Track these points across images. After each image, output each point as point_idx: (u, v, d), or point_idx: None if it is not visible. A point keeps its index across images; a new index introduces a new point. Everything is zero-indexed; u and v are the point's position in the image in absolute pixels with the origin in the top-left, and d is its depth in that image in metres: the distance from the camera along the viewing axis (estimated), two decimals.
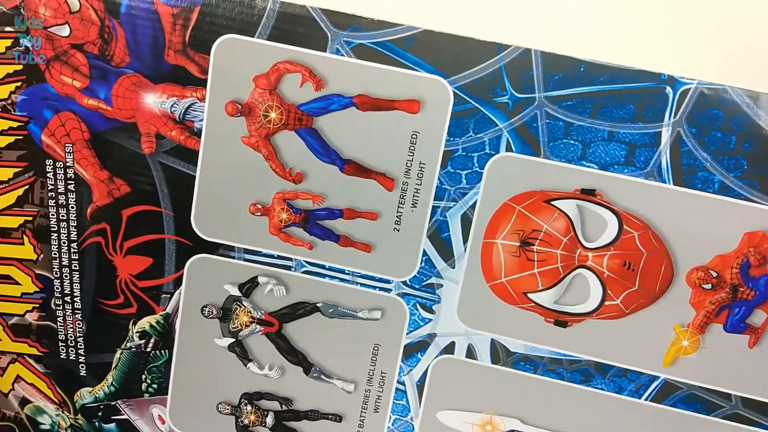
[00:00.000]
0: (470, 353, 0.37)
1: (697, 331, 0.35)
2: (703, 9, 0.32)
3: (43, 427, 0.42)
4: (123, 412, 0.41)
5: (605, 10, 0.33)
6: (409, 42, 0.34)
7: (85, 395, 0.41)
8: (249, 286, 0.38)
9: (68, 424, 0.42)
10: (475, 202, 0.35)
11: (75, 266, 0.39)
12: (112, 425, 0.41)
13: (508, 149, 0.34)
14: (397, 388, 0.38)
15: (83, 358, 0.40)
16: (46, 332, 0.41)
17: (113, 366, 0.40)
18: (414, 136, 0.35)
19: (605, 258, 0.34)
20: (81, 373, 0.41)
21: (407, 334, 0.37)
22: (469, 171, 0.35)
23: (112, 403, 0.41)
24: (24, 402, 0.42)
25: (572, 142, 0.34)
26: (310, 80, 0.35)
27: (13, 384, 0.42)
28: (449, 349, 0.37)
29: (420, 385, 0.38)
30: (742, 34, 0.32)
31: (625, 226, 0.34)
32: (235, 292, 0.38)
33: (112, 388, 0.41)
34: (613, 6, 0.33)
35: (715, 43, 0.32)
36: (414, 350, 0.38)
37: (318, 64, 0.35)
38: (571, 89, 0.33)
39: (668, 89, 0.32)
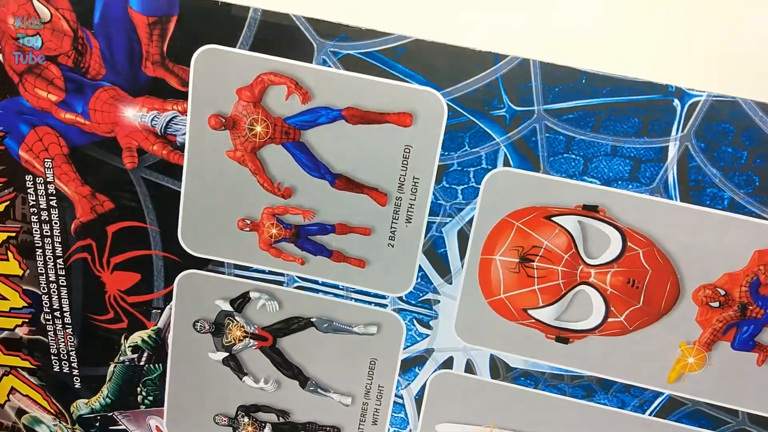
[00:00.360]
0: (469, 368, 0.36)
1: (704, 349, 0.33)
2: (714, 16, 0.30)
3: None
4: (120, 422, 0.41)
5: (608, 17, 0.30)
6: (399, 52, 0.32)
7: (81, 406, 0.41)
8: (241, 302, 0.37)
9: None
10: (471, 218, 0.34)
11: (62, 282, 0.38)
12: None
13: (506, 164, 0.32)
14: (395, 402, 0.37)
15: (77, 371, 0.40)
16: (37, 346, 0.40)
17: (108, 379, 0.40)
18: (407, 150, 0.33)
19: (608, 275, 0.33)
20: (76, 385, 0.40)
21: (404, 349, 0.37)
22: (465, 186, 0.33)
23: (109, 414, 0.41)
24: (21, 412, 0.42)
25: (573, 156, 0.32)
26: (296, 92, 0.33)
27: (8, 395, 0.42)
28: (448, 363, 0.36)
29: (418, 399, 0.37)
30: (755, 43, 0.30)
31: (629, 243, 0.32)
32: (227, 307, 0.37)
33: (108, 400, 0.40)
34: (617, 13, 0.30)
35: (725, 52, 0.30)
36: (411, 364, 0.37)
37: (304, 75, 0.33)
38: (572, 102, 0.31)
39: (676, 102, 0.30)
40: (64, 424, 0.41)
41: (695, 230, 0.32)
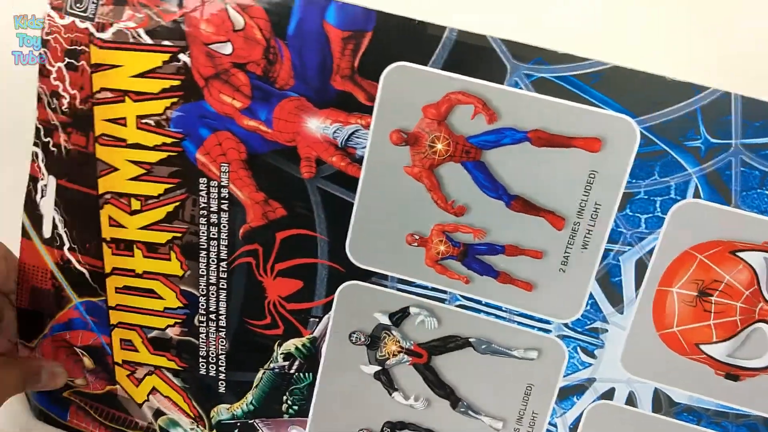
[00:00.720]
0: (630, 401, 0.36)
1: None
2: None
3: None
4: (260, 431, 0.41)
5: None
6: (595, 78, 0.32)
7: (222, 411, 0.41)
8: (400, 316, 0.37)
9: None
10: (652, 248, 0.33)
11: (222, 285, 0.39)
12: None
13: (696, 196, 0.32)
14: (548, 430, 0.37)
15: (223, 375, 0.40)
16: (186, 347, 0.40)
17: (254, 385, 0.40)
18: (591, 176, 0.33)
19: None
20: (220, 390, 0.41)
21: (564, 376, 0.36)
22: (650, 215, 0.33)
23: (250, 422, 0.41)
24: (158, 414, 0.42)
25: (767, 192, 0.32)
26: (483, 113, 0.33)
27: (148, 395, 0.42)
28: (608, 395, 0.36)
29: (572, 428, 0.37)
30: None
31: None
32: (385, 320, 0.37)
33: (251, 407, 0.40)
34: None
35: None
36: (570, 393, 0.36)
37: (492, 96, 0.33)
38: None
39: None
40: (202, 428, 0.42)
41: None
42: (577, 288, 0.35)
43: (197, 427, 0.42)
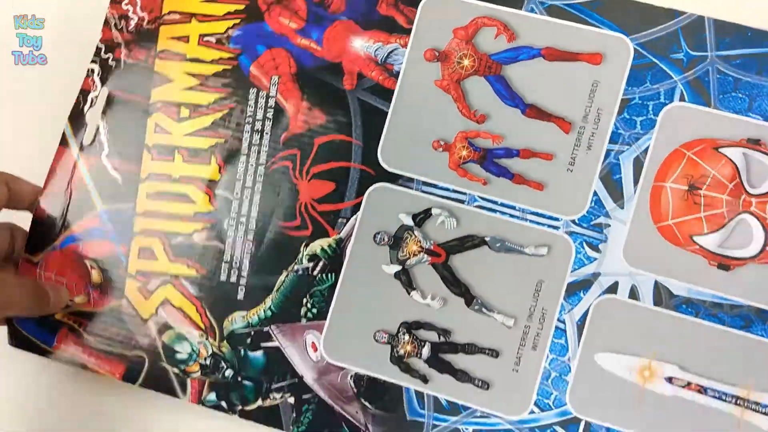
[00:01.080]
0: (633, 294, 0.39)
1: None
2: None
3: (179, 356, 0.42)
4: (275, 337, 0.41)
5: None
6: (597, 3, 0.40)
7: (237, 320, 0.42)
8: (422, 217, 0.41)
9: (210, 352, 0.42)
10: (647, 147, 0.39)
11: (258, 188, 0.42)
12: (259, 353, 0.41)
13: (681, 99, 0.39)
14: (556, 326, 0.39)
15: (244, 279, 0.42)
16: (210, 252, 0.42)
17: (276, 288, 0.41)
18: (594, 85, 0.39)
19: None
20: (238, 296, 0.42)
21: (572, 272, 0.39)
22: (644, 118, 0.39)
23: (265, 330, 0.41)
24: (164, 329, 0.42)
25: (740, 95, 0.38)
26: (504, 33, 0.40)
27: (157, 309, 0.42)
28: (612, 289, 0.39)
29: (580, 325, 0.39)
30: None
31: None
32: (408, 221, 0.41)
33: (269, 312, 0.41)
34: None
35: None
36: (577, 288, 0.39)
37: (512, 20, 0.40)
38: (740, 50, 0.38)
39: None
40: (212, 340, 0.42)
41: None
42: (583, 186, 0.39)
43: (207, 339, 0.42)
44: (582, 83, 0.40)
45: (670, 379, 0.38)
